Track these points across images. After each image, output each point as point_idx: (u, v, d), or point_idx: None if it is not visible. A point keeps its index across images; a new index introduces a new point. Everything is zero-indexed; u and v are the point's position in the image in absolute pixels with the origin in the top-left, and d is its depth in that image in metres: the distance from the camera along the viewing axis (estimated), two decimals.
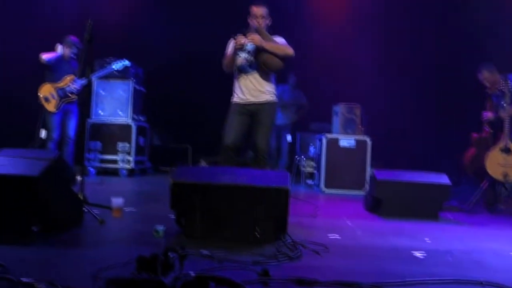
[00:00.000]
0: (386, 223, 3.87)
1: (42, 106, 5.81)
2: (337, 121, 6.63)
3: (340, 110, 6.54)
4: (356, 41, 7.72)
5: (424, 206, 4.17)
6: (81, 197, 3.37)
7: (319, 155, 6.55)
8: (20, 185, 2.48)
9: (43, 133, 5.87)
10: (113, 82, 7.15)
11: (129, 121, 7.10)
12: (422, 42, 7.52)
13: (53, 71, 5.86)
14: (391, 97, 7.64)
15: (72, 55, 5.98)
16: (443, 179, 4.26)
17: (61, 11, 7.65)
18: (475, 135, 5.29)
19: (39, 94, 5.80)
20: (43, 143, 5.88)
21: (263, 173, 2.82)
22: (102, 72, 6.30)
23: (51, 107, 5.81)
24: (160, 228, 2.82)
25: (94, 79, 6.83)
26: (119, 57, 6.61)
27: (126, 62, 6.45)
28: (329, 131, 6.72)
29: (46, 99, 5.80)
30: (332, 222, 3.79)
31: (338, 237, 3.13)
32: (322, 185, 6.33)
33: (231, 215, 2.69)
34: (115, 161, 7.03)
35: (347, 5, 7.84)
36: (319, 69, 7.92)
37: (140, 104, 7.56)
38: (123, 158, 7.00)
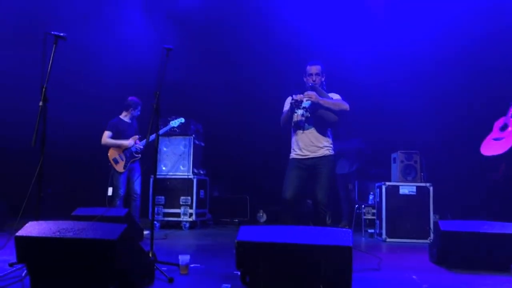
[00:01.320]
0: (453, 277, 3.75)
1: (111, 167, 6.22)
2: (395, 168, 6.57)
3: (398, 157, 6.50)
4: (414, 87, 7.68)
5: (494, 258, 3.99)
6: (151, 255, 3.55)
7: (379, 203, 6.48)
8: (99, 248, 2.68)
9: (109, 191, 6.25)
10: (174, 139, 7.52)
11: (190, 175, 7.38)
12: (481, 87, 7.36)
13: (119, 136, 6.32)
14: (451, 143, 7.49)
15: (138, 114, 6.45)
16: None
17: (125, 76, 8.15)
18: None
19: (109, 156, 6.24)
20: (110, 200, 6.24)
21: (326, 231, 2.88)
22: (162, 131, 6.69)
23: (119, 167, 6.22)
24: (227, 286, 2.92)
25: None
26: (180, 114, 7.02)
27: (182, 120, 6.88)
28: (388, 178, 6.66)
29: (115, 161, 6.23)
30: (397, 276, 3.73)
31: None
32: (383, 234, 6.22)
33: (295, 274, 2.75)
34: (177, 215, 7.28)
35: (403, 51, 7.86)
36: (377, 116, 7.93)
37: (200, 158, 7.86)
38: (185, 211, 7.24)
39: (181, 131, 7.30)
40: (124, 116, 6.48)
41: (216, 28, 8.28)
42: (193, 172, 7.44)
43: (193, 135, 7.56)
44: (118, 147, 6.25)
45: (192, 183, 7.33)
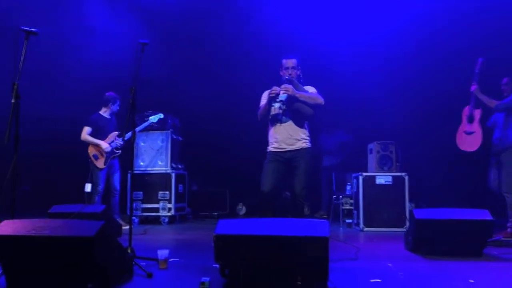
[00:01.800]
0: (428, 264, 3.85)
1: (91, 163, 6.16)
2: (372, 159, 6.68)
3: (374, 147, 6.59)
4: (387, 78, 7.79)
5: (467, 244, 4.11)
6: (130, 251, 3.54)
7: (356, 193, 6.57)
8: (77, 245, 2.66)
9: (88, 187, 6.18)
10: (151, 134, 7.47)
11: (168, 170, 7.35)
12: (450, 76, 7.48)
13: (99, 132, 6.26)
14: (424, 132, 7.64)
15: (117, 108, 6.40)
16: (485, 215, 4.19)
17: (104, 70, 8.03)
18: None
19: (89, 152, 6.18)
20: (89, 197, 6.18)
21: (303, 222, 2.92)
22: (141, 127, 6.65)
23: (100, 163, 6.17)
24: (206, 280, 2.93)
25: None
26: (157, 109, 6.99)
27: (161, 115, 6.89)
28: (364, 169, 6.76)
29: (96, 157, 6.18)
30: (373, 265, 3.80)
31: (379, 281, 3.16)
32: (361, 224, 6.32)
33: (273, 266, 2.78)
34: (156, 210, 7.25)
35: (376, 44, 7.94)
36: (354, 107, 8.02)
37: (178, 153, 7.83)
38: (164, 206, 7.22)
39: (159, 125, 7.26)
40: (104, 112, 6.43)
41: (191, 20, 8.21)
42: (171, 166, 7.41)
43: (171, 130, 7.52)
44: (96, 145, 6.20)
45: (170, 178, 7.30)
